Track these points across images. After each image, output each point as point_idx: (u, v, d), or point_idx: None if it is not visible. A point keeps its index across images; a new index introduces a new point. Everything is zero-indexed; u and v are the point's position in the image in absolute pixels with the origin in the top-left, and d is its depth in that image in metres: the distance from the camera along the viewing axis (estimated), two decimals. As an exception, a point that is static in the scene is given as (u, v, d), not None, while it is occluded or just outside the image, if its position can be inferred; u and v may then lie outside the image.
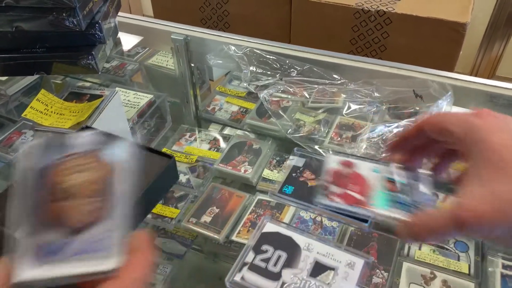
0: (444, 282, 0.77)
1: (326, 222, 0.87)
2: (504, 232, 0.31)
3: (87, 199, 0.31)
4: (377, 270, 0.76)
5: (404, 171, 0.51)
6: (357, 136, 0.96)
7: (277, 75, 0.83)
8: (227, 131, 1.09)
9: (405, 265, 0.78)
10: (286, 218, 0.85)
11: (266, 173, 0.95)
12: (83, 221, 0.31)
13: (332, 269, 0.51)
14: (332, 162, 0.55)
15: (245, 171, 0.94)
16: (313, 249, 0.53)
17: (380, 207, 0.50)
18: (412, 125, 0.44)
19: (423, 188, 0.50)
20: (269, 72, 0.83)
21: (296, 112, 1.06)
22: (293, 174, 0.65)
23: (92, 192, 0.32)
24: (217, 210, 0.86)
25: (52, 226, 0.30)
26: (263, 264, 0.52)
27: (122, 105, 0.89)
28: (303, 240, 0.54)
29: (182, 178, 0.92)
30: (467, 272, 0.77)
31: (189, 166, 0.95)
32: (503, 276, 0.75)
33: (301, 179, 0.64)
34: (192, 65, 1.00)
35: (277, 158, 0.97)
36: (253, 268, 0.51)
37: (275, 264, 0.51)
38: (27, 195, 0.30)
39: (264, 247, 0.53)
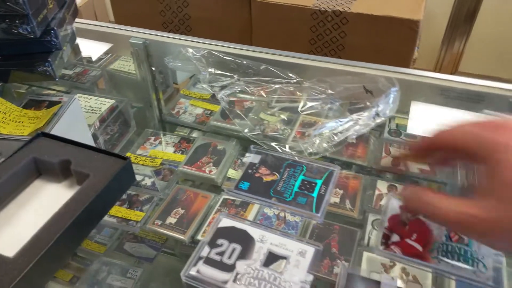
0: (404, 269, 0.79)
1: (289, 217, 0.90)
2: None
3: None
4: (338, 261, 0.79)
5: None
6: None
7: (235, 76, 0.85)
8: (191, 133, 1.10)
9: (365, 254, 0.81)
10: (251, 215, 0.87)
11: (231, 173, 0.96)
12: None
13: (284, 258, 0.53)
14: (395, 207, 0.55)
15: (209, 171, 0.95)
16: (266, 240, 0.55)
17: (441, 260, 0.50)
18: (424, 142, 0.44)
19: None
20: (227, 73, 0.85)
21: (261, 112, 1.08)
22: (249, 171, 0.67)
23: None
24: (182, 211, 0.87)
25: None
26: (218, 257, 0.53)
27: (82, 111, 0.89)
28: (258, 233, 0.56)
29: (147, 181, 0.93)
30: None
31: (154, 169, 0.96)
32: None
33: (257, 175, 0.66)
34: (153, 68, 1.01)
35: (242, 158, 0.99)
36: (208, 261, 0.53)
37: (229, 257, 0.53)
38: None
39: (220, 241, 0.55)
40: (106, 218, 0.85)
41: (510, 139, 0.34)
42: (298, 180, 0.66)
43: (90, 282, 0.82)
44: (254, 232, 0.56)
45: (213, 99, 1.17)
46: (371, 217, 0.86)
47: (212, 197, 0.91)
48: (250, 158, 0.67)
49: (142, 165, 0.96)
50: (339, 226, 0.86)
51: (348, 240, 0.83)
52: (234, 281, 0.50)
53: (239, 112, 1.07)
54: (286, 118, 1.03)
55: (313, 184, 0.66)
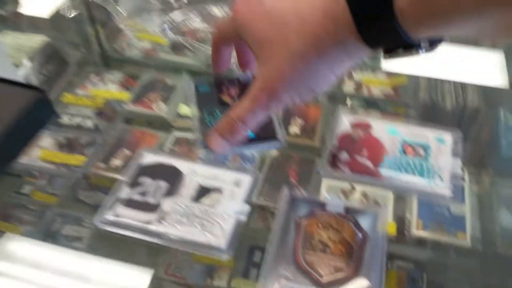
0: (364, 194, 0.76)
1: (246, 151, 0.84)
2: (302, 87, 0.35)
3: None
4: (297, 190, 0.74)
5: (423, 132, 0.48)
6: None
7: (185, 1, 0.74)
8: (138, 69, 1.01)
9: (324, 182, 0.77)
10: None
11: (184, 109, 0.89)
12: None
13: (217, 190, 0.48)
14: (344, 125, 0.51)
15: (158, 109, 0.88)
16: (197, 173, 0.49)
17: (395, 175, 0.46)
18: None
19: (447, 153, 0.46)
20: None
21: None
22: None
23: None
24: (128, 153, 0.81)
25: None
26: (140, 198, 0.47)
27: (6, 48, 0.80)
28: (187, 167, 0.50)
29: (88, 123, 0.85)
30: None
31: (96, 110, 0.88)
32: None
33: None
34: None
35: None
36: (128, 203, 0.47)
37: (154, 196, 0.47)
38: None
39: (142, 179, 0.49)
40: (43, 164, 0.78)
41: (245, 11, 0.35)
42: None
43: (43, 234, 0.77)
44: (183, 166, 0.50)
45: (162, 30, 1.07)
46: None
47: (161, 136, 0.85)
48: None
49: (83, 106, 0.88)
50: (298, 155, 0.81)
51: (307, 169, 0.79)
52: (159, 220, 0.45)
53: (191, 43, 0.98)
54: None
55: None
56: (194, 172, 0.49)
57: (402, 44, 0.30)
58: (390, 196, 0.75)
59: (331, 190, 0.75)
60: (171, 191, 0.48)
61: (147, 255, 0.70)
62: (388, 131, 0.50)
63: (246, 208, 0.46)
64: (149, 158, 0.51)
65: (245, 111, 0.36)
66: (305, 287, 0.40)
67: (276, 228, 0.44)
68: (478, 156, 0.79)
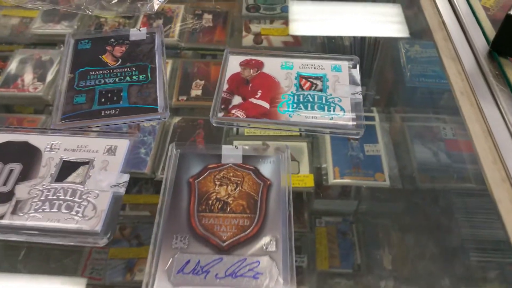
0: (278, 149, 0.71)
1: (144, 123, 0.75)
2: None
3: None
4: (188, 147, 0.67)
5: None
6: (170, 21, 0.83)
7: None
8: (7, 49, 0.86)
9: (236, 143, 0.71)
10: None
11: (67, 86, 0.77)
12: None
13: (86, 163, 0.39)
14: (233, 65, 0.46)
15: (35, 89, 0.75)
16: (59, 147, 0.40)
17: (294, 113, 0.42)
18: None
19: (345, 81, 0.40)
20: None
21: (95, 9, 0.87)
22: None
23: None
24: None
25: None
26: (-15, 189, 0.37)
27: None
28: (46, 141, 0.40)
29: None
30: (299, 134, 0.71)
31: (-45, 101, 0.73)
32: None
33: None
34: None
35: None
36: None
37: (5, 183, 0.37)
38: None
39: (-14, 165, 0.39)
40: None
41: None
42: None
43: None
44: (40, 140, 0.40)
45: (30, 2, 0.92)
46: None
47: (43, 119, 0.73)
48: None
49: None
50: (204, 120, 0.74)
51: (215, 133, 0.72)
52: (14, 212, 0.35)
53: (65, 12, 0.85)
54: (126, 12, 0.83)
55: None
56: (55, 146, 0.40)
57: None
58: (304, 149, 0.71)
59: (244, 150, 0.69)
60: (26, 174, 0.38)
61: (55, 260, 0.59)
62: (281, 67, 0.44)
63: (125, 178, 0.38)
64: (-5, 138, 0.41)
65: None
66: (205, 256, 0.34)
67: (164, 195, 0.37)
68: (384, 93, 0.77)
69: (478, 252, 0.62)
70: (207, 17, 0.89)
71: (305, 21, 0.82)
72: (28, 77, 0.77)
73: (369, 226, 0.77)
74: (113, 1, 0.66)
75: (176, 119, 0.75)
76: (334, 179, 0.68)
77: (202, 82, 0.79)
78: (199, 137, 0.72)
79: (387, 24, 0.79)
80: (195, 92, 0.77)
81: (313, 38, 0.78)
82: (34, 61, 0.80)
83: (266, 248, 0.34)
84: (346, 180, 0.68)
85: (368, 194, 0.75)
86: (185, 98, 0.76)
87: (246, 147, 0.43)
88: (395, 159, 0.71)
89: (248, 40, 0.83)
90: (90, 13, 0.69)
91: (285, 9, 0.88)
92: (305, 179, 0.68)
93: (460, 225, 0.66)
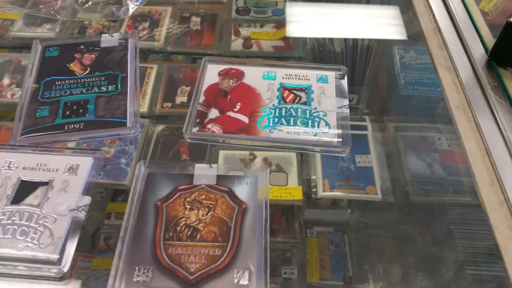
0: (265, 159, 0.68)
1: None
2: None
3: None
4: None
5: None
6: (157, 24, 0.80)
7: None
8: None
9: (222, 153, 0.68)
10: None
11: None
12: None
13: (45, 183, 0.36)
14: (211, 75, 0.43)
15: (12, 95, 0.72)
16: (17, 165, 0.36)
17: (275, 128, 0.39)
18: None
19: (331, 93, 0.36)
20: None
21: (77, 13, 0.84)
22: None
23: None
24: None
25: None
26: None
27: None
28: (3, 158, 0.37)
29: None
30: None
31: None
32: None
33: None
34: None
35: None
36: None
37: (-47, 206, 0.34)
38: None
39: None
40: None
41: None
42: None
43: None
44: (-4, 158, 0.37)
45: (15, 5, 0.89)
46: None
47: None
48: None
49: None
50: (188, 128, 0.71)
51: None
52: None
53: (47, 14, 0.82)
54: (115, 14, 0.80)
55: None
56: (13, 164, 0.37)
57: None
58: (293, 160, 0.68)
59: (229, 160, 0.66)
60: (-22, 196, 0.35)
61: None
62: (263, 77, 0.41)
63: (85, 201, 0.34)
64: None
65: None
66: (170, 290, 0.30)
67: (129, 220, 0.34)
68: (377, 101, 0.74)
69: (473, 265, 0.59)
70: (195, 20, 0.86)
71: (302, 23, 0.79)
72: (7, 82, 0.74)
73: (362, 236, 0.74)
74: (86, 6, 0.63)
75: (160, 127, 0.72)
76: (323, 192, 0.65)
77: (188, 88, 0.75)
78: (183, 146, 0.69)
79: (385, 26, 0.76)
80: (180, 98, 0.74)
81: (304, 44, 0.75)
82: (13, 65, 0.77)
83: (238, 281, 0.31)
84: (336, 193, 0.65)
85: (362, 204, 0.72)
86: (170, 105, 0.73)
87: (222, 166, 0.40)
88: (388, 171, 0.68)
89: (237, 44, 0.80)
90: (60, 18, 0.65)
91: (276, 12, 0.85)
92: (293, 191, 0.65)
93: (456, 237, 0.63)
